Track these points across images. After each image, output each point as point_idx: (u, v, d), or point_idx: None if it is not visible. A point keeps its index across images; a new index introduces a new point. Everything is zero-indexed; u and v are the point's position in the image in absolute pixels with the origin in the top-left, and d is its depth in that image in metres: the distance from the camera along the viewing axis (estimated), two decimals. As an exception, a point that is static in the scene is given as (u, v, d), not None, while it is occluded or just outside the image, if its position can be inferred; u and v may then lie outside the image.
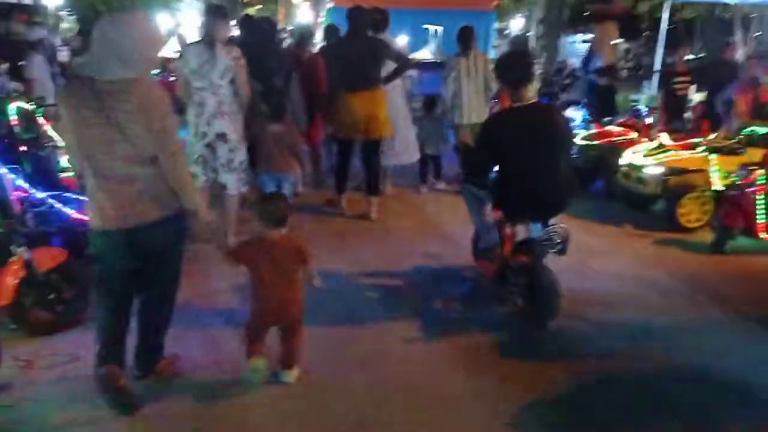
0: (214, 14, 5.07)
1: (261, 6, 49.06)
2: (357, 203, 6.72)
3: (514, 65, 4.14)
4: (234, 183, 5.28)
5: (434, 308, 4.61)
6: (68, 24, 21.62)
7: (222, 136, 5.14)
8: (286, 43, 13.95)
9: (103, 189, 2.94)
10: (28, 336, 3.93)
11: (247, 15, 7.36)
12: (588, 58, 9.47)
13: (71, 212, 4.12)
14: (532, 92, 4.05)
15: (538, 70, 11.99)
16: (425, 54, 17.95)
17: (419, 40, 18.45)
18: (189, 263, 3.64)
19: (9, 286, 3.74)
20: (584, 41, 20.40)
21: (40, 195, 4.07)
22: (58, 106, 3.05)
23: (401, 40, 14.52)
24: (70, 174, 5.00)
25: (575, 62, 15.47)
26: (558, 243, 4.05)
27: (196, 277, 4.61)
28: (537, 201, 4.06)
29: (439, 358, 3.88)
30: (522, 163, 4.00)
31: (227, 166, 5.21)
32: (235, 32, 7.05)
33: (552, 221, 4.14)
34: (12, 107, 4.62)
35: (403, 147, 6.90)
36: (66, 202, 4.22)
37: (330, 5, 25.16)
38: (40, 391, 3.49)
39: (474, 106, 6.82)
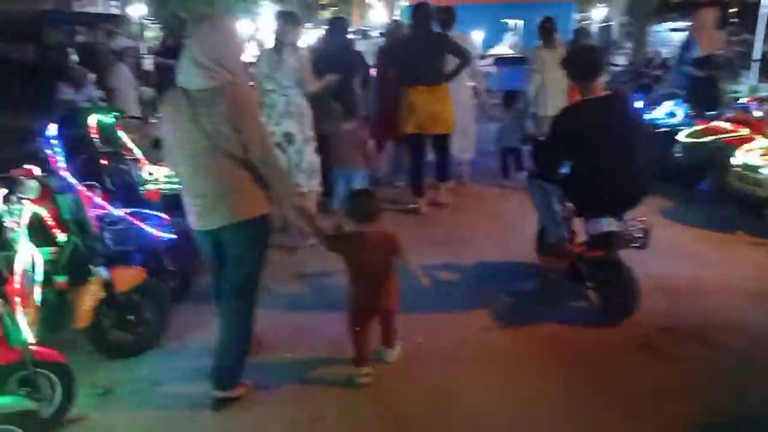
0: (284, 19, 5.32)
1: (336, 8, 49.65)
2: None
3: (582, 58, 4.07)
4: (305, 180, 5.39)
5: (505, 302, 4.53)
6: (152, 33, 22.20)
7: (288, 136, 5.32)
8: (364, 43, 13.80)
9: (192, 192, 3.09)
10: (107, 359, 3.77)
11: (332, 18, 7.38)
12: (685, 48, 8.73)
13: (151, 230, 3.91)
14: (601, 84, 4.01)
15: (624, 61, 11.33)
16: (504, 49, 17.45)
17: (498, 34, 17.93)
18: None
19: (87, 308, 3.58)
20: (672, 30, 19.29)
21: (119, 212, 3.89)
22: (160, 112, 3.17)
23: (476, 36, 14.10)
24: (151, 187, 4.90)
25: (664, 52, 14.61)
26: (639, 237, 3.95)
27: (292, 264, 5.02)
28: (612, 195, 3.95)
29: (514, 354, 3.85)
30: (595, 156, 3.91)
31: (297, 166, 5.37)
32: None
33: (630, 215, 4.05)
34: (92, 119, 4.45)
35: (460, 143, 6.86)
36: (146, 218, 4.03)
37: (406, 3, 24.92)
38: (118, 421, 3.30)
39: (557, 98, 6.63)
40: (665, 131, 7.22)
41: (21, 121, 6.53)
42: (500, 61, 15.40)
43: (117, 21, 14.95)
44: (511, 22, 17.71)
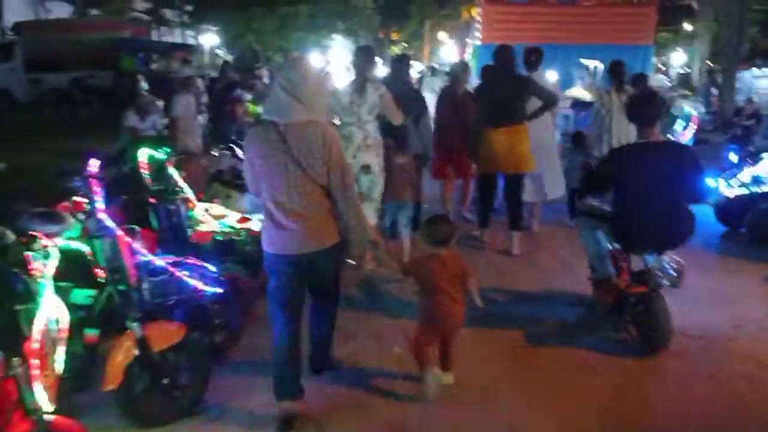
0: (365, 54, 5.53)
1: (406, 44, 49.97)
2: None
3: (641, 105, 4.36)
4: (371, 212, 5.41)
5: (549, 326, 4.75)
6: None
7: (366, 168, 5.42)
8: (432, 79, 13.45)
9: (280, 220, 3.25)
10: (137, 426, 3.31)
11: (397, 56, 7.38)
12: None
13: (195, 282, 3.47)
14: (657, 130, 4.28)
15: (707, 110, 10.57)
16: (579, 91, 16.74)
17: (574, 76, 17.24)
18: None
19: (118, 367, 3.14)
20: (757, 77, 18.21)
21: (161, 261, 3.46)
22: (246, 146, 3.36)
23: (551, 77, 13.53)
24: (203, 228, 4.50)
25: (756, 101, 13.66)
26: (672, 276, 4.20)
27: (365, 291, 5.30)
28: (655, 234, 4.15)
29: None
30: (642, 196, 4.12)
31: (368, 196, 5.43)
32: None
33: (668, 254, 4.26)
34: (142, 153, 4.08)
35: (545, 184, 6.81)
36: (191, 268, 3.59)
37: (478, 43, 24.57)
38: None
39: (621, 141, 6.39)
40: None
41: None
42: (578, 104, 14.71)
43: (190, 50, 15.12)
44: (591, 64, 17.03)
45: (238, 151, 8.99)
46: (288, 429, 3.34)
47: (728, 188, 6.94)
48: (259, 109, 14.02)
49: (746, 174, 6.78)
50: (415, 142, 6.13)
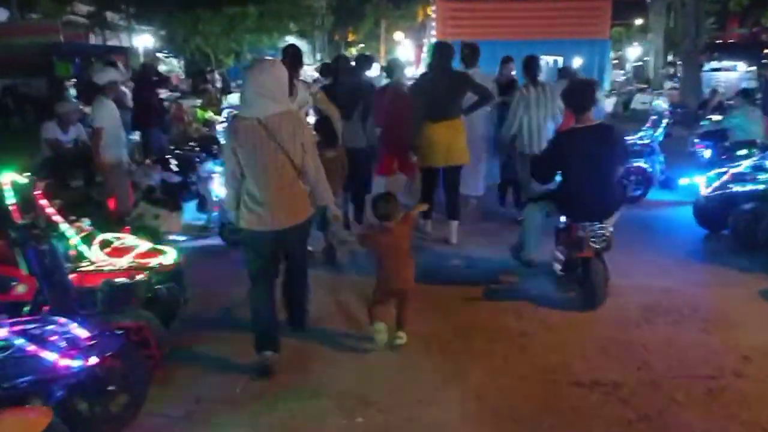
0: (291, 55, 5.68)
1: (363, 45, 49.11)
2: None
3: (579, 92, 4.78)
4: None
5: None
6: (166, 66, 21.26)
7: None
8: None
9: (268, 201, 3.65)
10: None
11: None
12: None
13: (53, 355, 2.54)
14: (593, 115, 4.70)
15: (663, 103, 9.98)
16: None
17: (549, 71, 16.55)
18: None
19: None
20: (714, 70, 17.84)
21: (3, 331, 2.52)
22: (227, 139, 3.75)
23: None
24: (86, 267, 3.57)
25: (720, 94, 13.15)
26: (604, 240, 4.53)
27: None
28: (591, 204, 4.59)
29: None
30: (582, 173, 4.58)
31: None
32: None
33: (603, 223, 4.58)
34: (6, 178, 3.11)
35: (470, 178, 6.91)
36: (54, 333, 2.65)
37: (433, 40, 23.69)
38: None
39: (540, 137, 6.44)
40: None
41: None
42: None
43: (128, 54, 14.03)
44: (550, 59, 16.38)
45: (176, 162, 8.09)
46: (265, 375, 3.77)
47: (708, 188, 6.25)
48: (208, 115, 13.02)
49: (729, 173, 6.08)
50: (362, 136, 6.24)
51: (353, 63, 6.99)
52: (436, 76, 6.13)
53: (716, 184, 6.15)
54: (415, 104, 6.11)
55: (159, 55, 19.89)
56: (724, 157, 7.65)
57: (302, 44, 27.93)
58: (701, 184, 6.36)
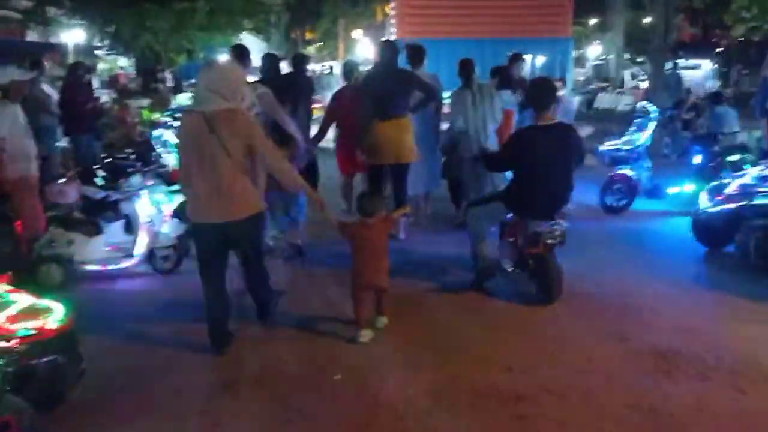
0: (237, 56, 5.62)
1: (322, 43, 47.95)
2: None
3: (538, 90, 4.71)
4: None
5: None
6: (106, 64, 19.73)
7: None
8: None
9: (206, 193, 3.74)
10: None
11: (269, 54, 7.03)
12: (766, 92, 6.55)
13: None
14: (551, 114, 4.66)
15: (640, 102, 9.34)
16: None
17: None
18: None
19: None
20: (681, 68, 17.26)
21: None
22: (179, 131, 4.09)
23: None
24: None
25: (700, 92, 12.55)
26: (559, 236, 4.52)
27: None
28: (546, 201, 4.60)
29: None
30: (537, 170, 4.55)
31: None
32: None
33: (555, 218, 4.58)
34: None
35: (421, 176, 6.76)
36: None
37: (393, 38, 22.89)
38: None
39: (479, 138, 6.26)
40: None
41: None
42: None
43: (60, 50, 12.70)
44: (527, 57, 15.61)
45: (104, 173, 6.95)
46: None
47: (710, 200, 5.44)
48: (155, 117, 11.74)
49: (735, 184, 5.28)
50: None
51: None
52: (382, 75, 6.15)
53: (720, 196, 5.34)
54: (364, 103, 6.10)
55: (98, 52, 18.41)
56: (712, 164, 6.91)
57: (258, 42, 26.59)
58: (702, 196, 5.56)
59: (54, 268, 5.08)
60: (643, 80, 21.42)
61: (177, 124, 9.33)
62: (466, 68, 6.47)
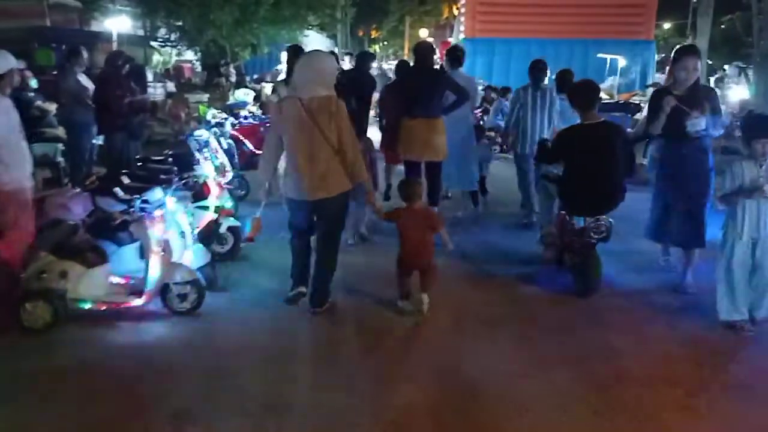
0: (292, 55, 6.24)
1: (387, 42, 46.86)
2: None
3: (582, 91, 4.81)
4: None
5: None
6: (162, 56, 18.88)
7: None
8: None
9: (305, 174, 4.08)
10: None
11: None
12: None
13: None
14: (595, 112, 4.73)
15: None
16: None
17: (595, 73, 14.54)
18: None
19: None
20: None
21: None
22: (274, 116, 4.35)
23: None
24: None
25: None
26: (603, 231, 4.56)
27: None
28: (594, 199, 4.62)
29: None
30: (584, 168, 4.63)
31: None
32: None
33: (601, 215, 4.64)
34: None
35: (457, 174, 6.92)
36: None
37: (461, 37, 21.64)
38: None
39: (544, 134, 6.37)
40: None
41: None
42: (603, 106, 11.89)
43: (119, 41, 11.89)
44: (607, 57, 13.99)
45: (129, 181, 5.85)
46: (294, 303, 4.38)
47: None
48: (211, 113, 10.63)
49: None
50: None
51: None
52: (415, 74, 6.30)
53: None
54: (396, 101, 6.29)
55: (154, 44, 17.62)
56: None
57: (324, 40, 25.57)
58: None
59: (41, 306, 3.97)
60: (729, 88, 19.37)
61: (230, 122, 8.27)
62: (533, 69, 6.57)
